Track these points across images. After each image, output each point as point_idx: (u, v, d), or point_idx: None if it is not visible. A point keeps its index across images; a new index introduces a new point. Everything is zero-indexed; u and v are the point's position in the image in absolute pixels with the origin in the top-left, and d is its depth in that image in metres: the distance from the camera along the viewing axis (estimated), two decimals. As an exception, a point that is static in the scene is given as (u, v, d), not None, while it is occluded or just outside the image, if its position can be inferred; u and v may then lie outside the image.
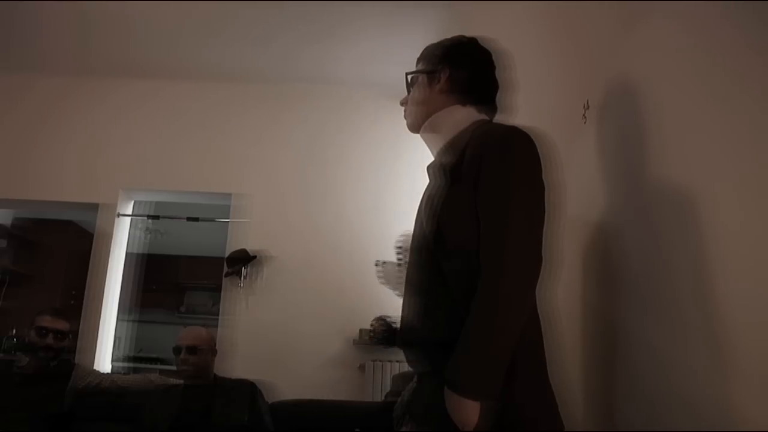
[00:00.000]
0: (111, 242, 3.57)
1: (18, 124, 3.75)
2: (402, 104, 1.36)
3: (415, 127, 1.32)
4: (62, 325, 2.39)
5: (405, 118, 1.35)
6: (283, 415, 2.27)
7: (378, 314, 2.40)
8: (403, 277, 2.57)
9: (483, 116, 1.25)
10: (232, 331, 3.35)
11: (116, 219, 3.62)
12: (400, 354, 1.25)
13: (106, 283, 3.50)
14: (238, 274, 3.47)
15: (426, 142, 1.32)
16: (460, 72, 1.26)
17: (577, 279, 1.42)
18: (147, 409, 2.24)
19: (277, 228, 3.56)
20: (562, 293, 1.38)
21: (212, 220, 3.94)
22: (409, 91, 1.35)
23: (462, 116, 1.24)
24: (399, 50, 3.05)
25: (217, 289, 4.00)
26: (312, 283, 3.42)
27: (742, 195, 0.85)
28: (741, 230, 0.84)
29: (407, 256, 2.56)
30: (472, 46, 1.31)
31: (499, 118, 1.29)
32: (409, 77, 1.34)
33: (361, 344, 3.30)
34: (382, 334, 2.34)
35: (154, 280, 5.41)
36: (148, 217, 4.14)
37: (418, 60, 1.35)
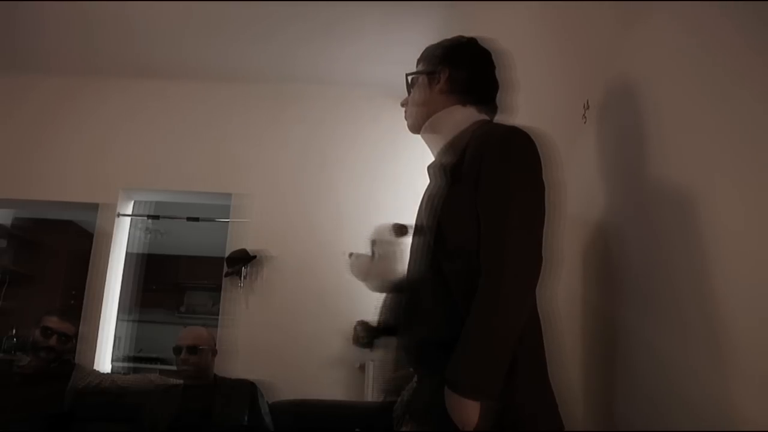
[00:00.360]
0: (111, 242, 3.57)
1: (18, 125, 3.75)
2: (402, 105, 1.36)
3: (415, 128, 1.32)
4: (68, 328, 2.39)
5: (405, 119, 1.35)
6: (283, 415, 2.27)
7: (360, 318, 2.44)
8: (374, 270, 2.61)
9: (483, 116, 1.25)
10: (232, 331, 3.35)
11: (116, 219, 3.62)
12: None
13: (106, 283, 3.49)
14: (238, 274, 3.47)
15: (427, 143, 1.32)
16: (459, 72, 1.26)
17: (577, 279, 1.42)
18: (147, 409, 2.24)
19: (277, 228, 3.55)
20: (562, 293, 1.38)
21: (212, 220, 3.95)
22: (409, 92, 1.35)
23: (462, 116, 1.24)
24: (399, 50, 3.05)
25: (217, 289, 4.00)
26: (312, 282, 3.42)
27: (742, 194, 0.85)
28: (741, 230, 0.84)
29: (377, 249, 2.59)
30: (472, 47, 1.31)
31: (499, 118, 1.29)
32: (409, 78, 1.34)
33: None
34: (366, 339, 2.38)
35: (154, 280, 5.41)
36: (148, 217, 4.14)
37: (419, 61, 1.35)
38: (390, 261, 2.53)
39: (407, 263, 1.25)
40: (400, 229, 2.61)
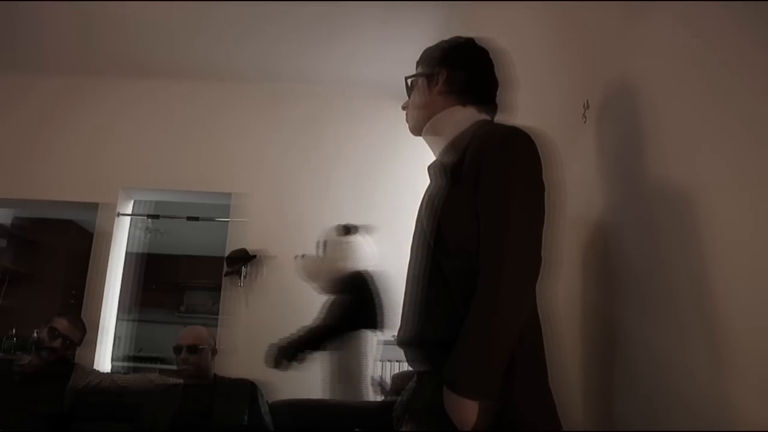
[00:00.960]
0: (111, 242, 3.57)
1: (18, 124, 3.75)
2: (403, 108, 1.36)
3: (416, 131, 1.32)
4: (74, 334, 2.39)
5: (407, 122, 1.35)
6: (282, 415, 2.27)
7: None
8: (321, 270, 2.67)
9: (484, 116, 1.25)
10: (232, 331, 3.35)
11: (116, 218, 3.62)
12: (400, 353, 1.25)
13: (106, 282, 3.49)
14: (238, 273, 3.47)
15: (429, 145, 1.32)
16: (458, 73, 1.26)
17: (576, 279, 1.42)
18: (147, 408, 2.24)
19: (276, 227, 3.56)
20: (562, 293, 1.38)
21: (212, 219, 3.95)
22: (409, 95, 1.35)
23: (463, 117, 1.24)
24: (400, 49, 3.05)
25: (217, 288, 4.00)
26: (312, 282, 3.42)
27: (741, 195, 0.85)
28: (739, 230, 0.85)
29: (325, 250, 2.65)
30: (470, 47, 1.31)
31: (499, 118, 1.29)
32: (409, 81, 1.34)
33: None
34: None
35: (153, 280, 5.42)
36: (148, 216, 4.14)
37: (417, 63, 1.35)
38: (336, 261, 2.59)
39: (409, 263, 1.24)
40: (347, 230, 2.68)
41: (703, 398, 0.89)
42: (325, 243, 2.66)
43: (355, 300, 2.42)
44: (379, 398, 2.47)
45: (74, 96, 3.82)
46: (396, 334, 1.27)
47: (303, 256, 2.72)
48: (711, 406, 0.87)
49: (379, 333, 2.49)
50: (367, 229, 2.68)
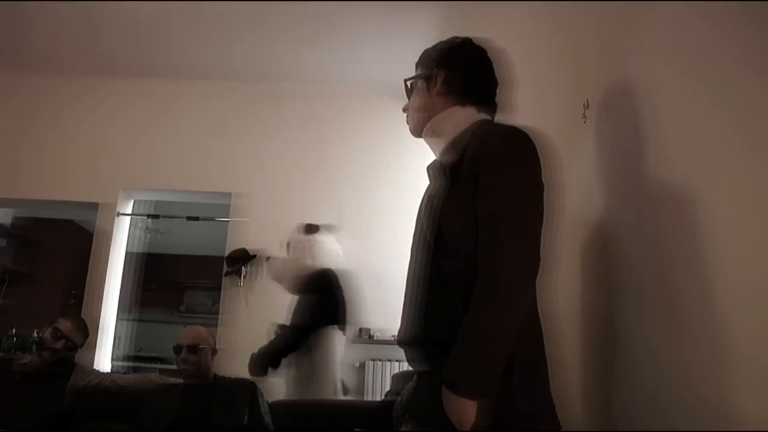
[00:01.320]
0: (111, 241, 3.57)
1: (18, 124, 3.76)
2: (404, 111, 1.36)
3: (417, 132, 1.32)
4: (77, 336, 2.40)
5: (407, 124, 1.35)
6: (281, 415, 2.27)
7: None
8: (287, 270, 2.70)
9: (483, 116, 1.25)
10: (232, 331, 3.35)
11: (116, 218, 3.63)
12: (400, 353, 1.25)
13: (106, 282, 3.50)
14: (238, 273, 3.48)
15: (429, 146, 1.31)
16: (456, 73, 1.26)
17: (576, 279, 1.42)
18: (147, 408, 2.24)
19: (276, 227, 3.55)
20: (562, 293, 1.38)
21: (212, 219, 3.95)
22: (408, 97, 1.35)
23: (462, 117, 1.24)
24: (400, 49, 3.05)
25: (217, 288, 4.01)
26: (312, 282, 3.41)
27: (741, 194, 0.85)
28: (739, 229, 0.85)
29: (290, 250, 2.68)
30: (467, 47, 1.31)
31: (499, 118, 1.29)
32: (408, 83, 1.34)
33: (361, 343, 3.30)
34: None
35: (153, 280, 5.42)
36: (148, 216, 4.15)
37: (416, 65, 1.35)
38: (299, 260, 2.61)
39: (409, 264, 1.24)
40: (310, 228, 2.71)
41: (703, 398, 0.89)
42: (288, 243, 2.69)
43: (320, 298, 2.44)
44: (344, 398, 2.48)
45: (74, 95, 3.82)
46: (396, 333, 1.28)
47: (269, 258, 2.76)
48: (711, 406, 0.87)
49: (344, 330, 2.51)
50: (330, 228, 2.70)
